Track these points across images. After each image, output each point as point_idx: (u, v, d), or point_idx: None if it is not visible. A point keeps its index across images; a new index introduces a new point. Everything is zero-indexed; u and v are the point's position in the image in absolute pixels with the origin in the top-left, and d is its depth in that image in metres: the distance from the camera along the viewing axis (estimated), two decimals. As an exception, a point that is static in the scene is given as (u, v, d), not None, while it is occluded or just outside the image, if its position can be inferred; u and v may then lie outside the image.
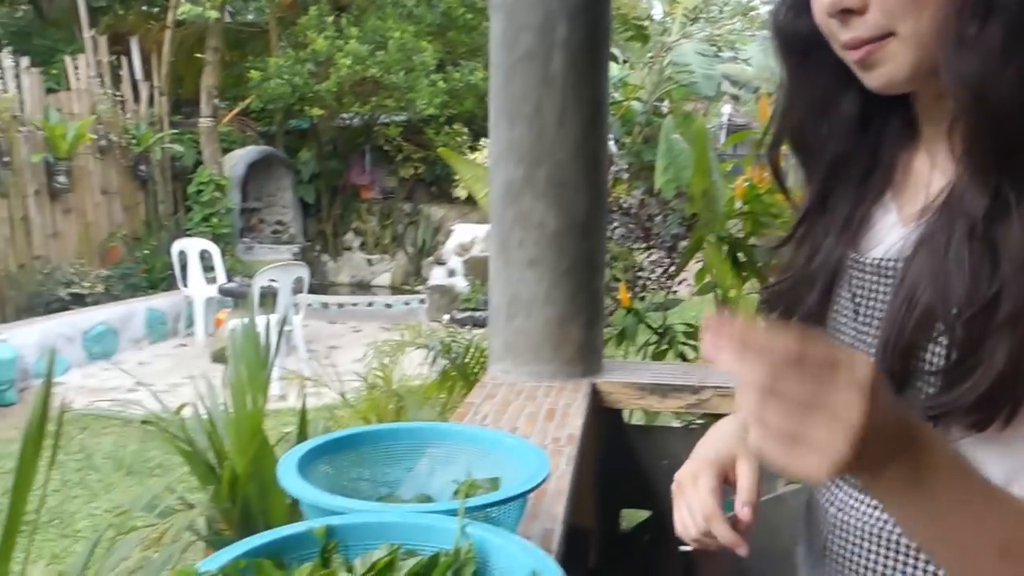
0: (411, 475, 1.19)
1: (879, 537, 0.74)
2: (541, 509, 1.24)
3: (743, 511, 0.84)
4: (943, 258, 0.66)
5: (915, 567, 0.72)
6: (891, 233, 0.75)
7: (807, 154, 0.81)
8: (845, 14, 0.67)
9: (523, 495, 0.93)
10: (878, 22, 0.67)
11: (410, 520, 0.86)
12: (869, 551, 0.75)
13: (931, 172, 0.74)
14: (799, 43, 0.76)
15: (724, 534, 0.82)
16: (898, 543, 0.73)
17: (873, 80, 0.70)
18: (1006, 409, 0.63)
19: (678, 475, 0.88)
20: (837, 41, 0.70)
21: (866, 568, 0.75)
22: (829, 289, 0.80)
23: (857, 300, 0.76)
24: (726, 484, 0.86)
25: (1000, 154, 0.64)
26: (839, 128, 0.78)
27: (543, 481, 0.96)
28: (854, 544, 0.76)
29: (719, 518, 0.82)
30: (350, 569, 0.81)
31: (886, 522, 0.74)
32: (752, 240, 2.80)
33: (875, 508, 0.75)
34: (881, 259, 0.75)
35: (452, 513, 0.86)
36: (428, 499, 1.09)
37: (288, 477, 0.97)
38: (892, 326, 0.70)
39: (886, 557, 0.74)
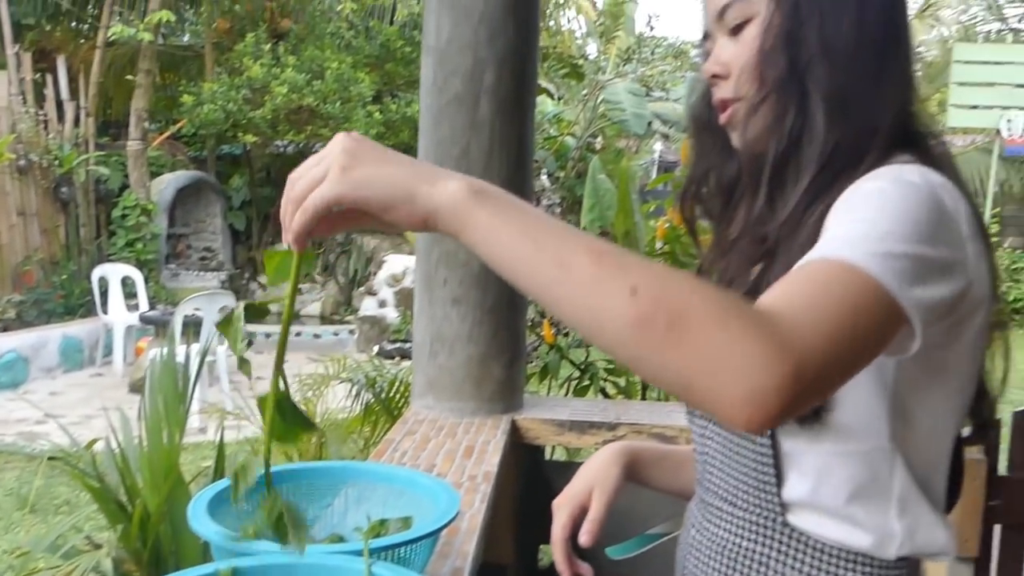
0: (325, 514, 1.19)
1: (721, 553, 0.88)
2: (453, 547, 1.25)
3: (583, 537, 0.99)
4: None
5: None
6: None
7: (704, 204, 0.96)
8: (715, 78, 0.84)
9: (430, 535, 0.95)
10: (731, 86, 0.82)
11: (317, 561, 0.87)
12: (715, 568, 0.89)
13: None
14: (702, 121, 0.92)
15: (557, 560, 1.02)
16: (737, 558, 0.86)
17: (735, 140, 0.86)
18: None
19: (555, 502, 1.05)
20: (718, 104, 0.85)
21: None
22: None
23: None
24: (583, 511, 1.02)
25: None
26: (725, 184, 0.92)
27: (450, 522, 0.98)
28: (705, 562, 0.90)
29: (559, 548, 1.02)
30: (254, 612, 0.81)
31: (736, 540, 0.87)
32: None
33: (725, 530, 0.89)
34: None
35: (360, 553, 0.87)
36: (341, 539, 1.09)
37: (198, 518, 0.96)
38: None
39: (727, 571, 0.87)
